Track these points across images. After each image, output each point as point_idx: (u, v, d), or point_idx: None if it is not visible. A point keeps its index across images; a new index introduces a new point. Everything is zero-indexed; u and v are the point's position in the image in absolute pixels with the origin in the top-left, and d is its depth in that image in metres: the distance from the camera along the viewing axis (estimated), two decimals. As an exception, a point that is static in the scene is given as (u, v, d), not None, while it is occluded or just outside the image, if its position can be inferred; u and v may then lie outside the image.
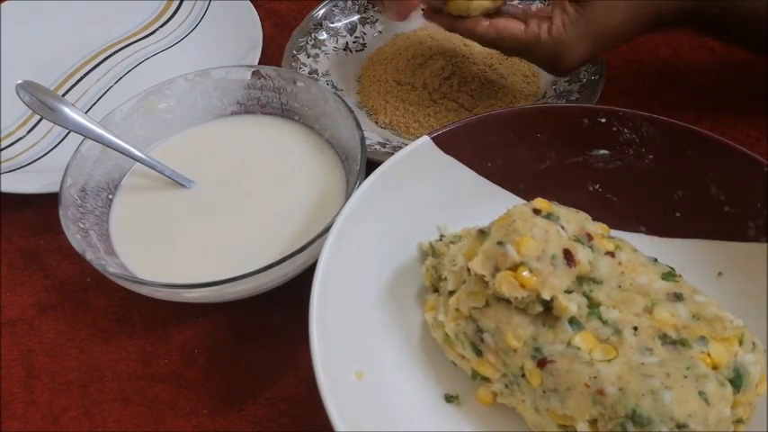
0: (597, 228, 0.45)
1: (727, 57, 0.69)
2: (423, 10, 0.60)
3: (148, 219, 0.56)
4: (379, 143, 0.63)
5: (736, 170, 0.47)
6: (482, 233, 0.43)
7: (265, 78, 0.62)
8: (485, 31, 0.57)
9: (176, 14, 0.83)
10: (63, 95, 0.75)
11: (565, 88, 0.65)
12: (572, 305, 0.40)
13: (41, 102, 0.54)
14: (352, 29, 0.74)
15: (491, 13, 0.57)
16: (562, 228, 0.42)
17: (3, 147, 0.70)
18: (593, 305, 0.41)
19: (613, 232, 0.46)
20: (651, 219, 0.51)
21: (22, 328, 0.56)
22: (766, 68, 0.65)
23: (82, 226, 0.52)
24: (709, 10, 0.54)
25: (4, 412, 0.51)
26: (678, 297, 0.41)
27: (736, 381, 0.38)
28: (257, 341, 0.53)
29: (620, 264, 0.43)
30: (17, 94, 0.54)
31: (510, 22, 0.56)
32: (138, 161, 0.57)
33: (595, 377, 0.38)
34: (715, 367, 0.38)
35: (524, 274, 0.39)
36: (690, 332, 0.39)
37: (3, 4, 0.82)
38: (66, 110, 0.54)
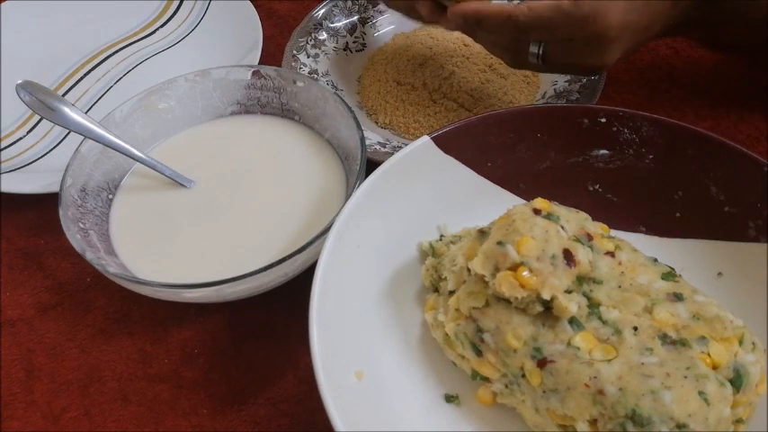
0: (597, 228, 0.45)
1: (727, 57, 0.69)
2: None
3: (148, 219, 0.56)
4: (379, 143, 0.63)
5: (736, 170, 0.47)
6: (482, 233, 0.43)
7: (265, 78, 0.62)
8: (514, 8, 0.51)
9: (176, 14, 0.83)
10: (63, 95, 0.75)
11: (565, 88, 0.65)
12: (572, 305, 0.40)
13: (41, 102, 0.54)
14: (352, 29, 0.74)
15: None
16: (562, 228, 0.42)
17: (3, 147, 0.70)
18: (594, 305, 0.41)
19: (613, 232, 0.47)
20: (651, 219, 0.51)
21: (22, 328, 0.56)
22: (766, 68, 0.65)
23: (82, 226, 0.52)
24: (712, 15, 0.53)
25: (4, 412, 0.51)
26: (678, 297, 0.41)
27: (736, 381, 0.38)
28: (257, 341, 0.53)
29: (620, 264, 0.43)
30: (17, 94, 0.54)
31: None
32: (138, 161, 0.57)
33: (595, 377, 0.38)
34: (715, 367, 0.38)
35: (524, 274, 0.39)
36: (690, 332, 0.39)
37: (3, 4, 0.82)
38: (66, 110, 0.54)
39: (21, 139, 0.71)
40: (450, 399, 0.45)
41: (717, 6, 0.54)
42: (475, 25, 0.55)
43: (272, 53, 0.75)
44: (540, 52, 0.53)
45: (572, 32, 0.51)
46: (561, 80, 0.66)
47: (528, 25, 0.51)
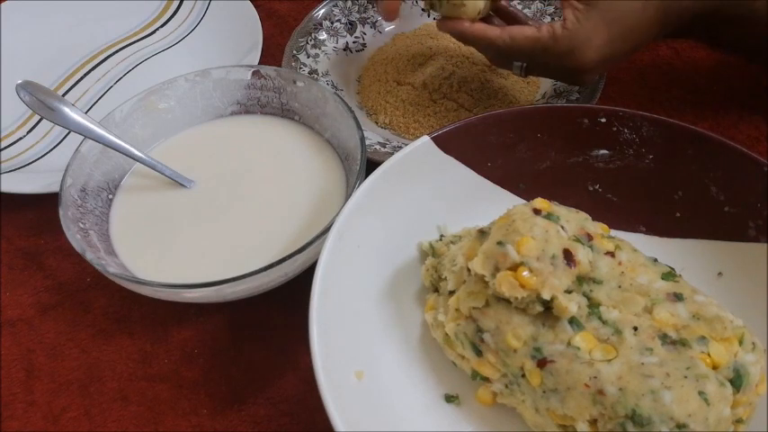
0: (597, 228, 0.45)
1: (727, 57, 0.69)
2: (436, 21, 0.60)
3: (148, 219, 0.56)
4: (379, 143, 0.63)
5: (736, 170, 0.47)
6: (482, 233, 0.43)
7: (265, 78, 0.62)
8: (497, 36, 0.55)
9: (176, 14, 0.83)
10: (63, 95, 0.75)
11: (565, 88, 0.65)
12: (572, 305, 0.40)
13: (41, 102, 0.54)
14: (352, 29, 0.74)
15: (483, 17, 0.58)
16: (562, 228, 0.42)
17: (3, 147, 0.70)
18: (594, 305, 0.41)
19: (613, 232, 0.47)
20: (651, 219, 0.51)
21: (22, 328, 0.56)
22: (766, 68, 0.65)
23: (82, 226, 0.52)
24: (721, 11, 0.54)
25: (4, 412, 0.51)
26: (678, 297, 0.41)
27: (736, 381, 0.38)
28: (257, 341, 0.53)
29: (620, 264, 0.43)
30: (17, 94, 0.54)
31: (522, 27, 0.55)
32: (138, 161, 0.57)
33: (595, 377, 0.38)
34: (715, 367, 0.38)
35: (524, 274, 0.39)
36: (690, 332, 0.39)
37: (3, 4, 0.82)
38: (66, 110, 0.54)
39: (21, 139, 0.71)
40: (450, 399, 0.45)
41: (711, 20, 0.54)
42: (461, 40, 0.60)
43: (272, 53, 0.75)
44: (524, 66, 0.58)
45: (550, 63, 0.56)
46: (561, 80, 0.66)
47: (508, 54, 0.57)
